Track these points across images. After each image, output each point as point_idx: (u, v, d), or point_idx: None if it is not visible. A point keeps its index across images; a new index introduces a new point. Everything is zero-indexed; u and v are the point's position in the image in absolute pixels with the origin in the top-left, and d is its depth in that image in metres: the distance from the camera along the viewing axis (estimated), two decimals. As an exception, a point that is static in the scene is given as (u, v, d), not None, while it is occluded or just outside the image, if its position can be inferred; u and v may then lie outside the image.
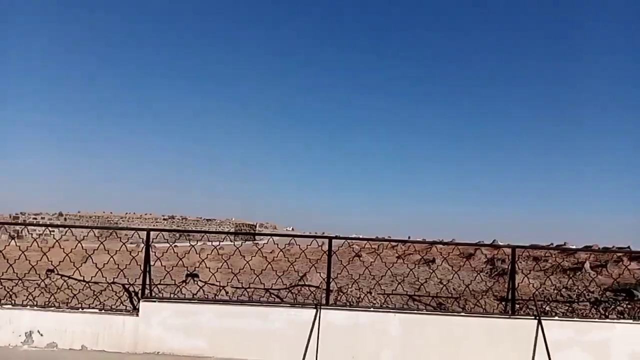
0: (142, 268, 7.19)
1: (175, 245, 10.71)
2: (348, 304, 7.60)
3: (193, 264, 8.86)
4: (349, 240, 7.54)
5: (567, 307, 8.62)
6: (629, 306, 8.52)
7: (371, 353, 6.66)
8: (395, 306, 7.17)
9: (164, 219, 54.00)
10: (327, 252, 7.22)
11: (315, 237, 7.49)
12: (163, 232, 8.65)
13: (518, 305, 8.21)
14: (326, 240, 7.35)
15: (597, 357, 6.58)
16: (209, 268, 8.53)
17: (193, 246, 8.28)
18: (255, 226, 46.00)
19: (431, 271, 8.62)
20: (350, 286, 8.72)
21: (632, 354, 6.58)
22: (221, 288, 8.23)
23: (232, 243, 8.41)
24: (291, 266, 7.88)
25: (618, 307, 8.46)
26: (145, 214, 55.45)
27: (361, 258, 12.28)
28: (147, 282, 7.21)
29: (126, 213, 57.96)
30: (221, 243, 9.59)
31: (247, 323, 6.80)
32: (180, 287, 8.37)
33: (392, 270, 8.65)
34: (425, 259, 11.58)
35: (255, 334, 6.76)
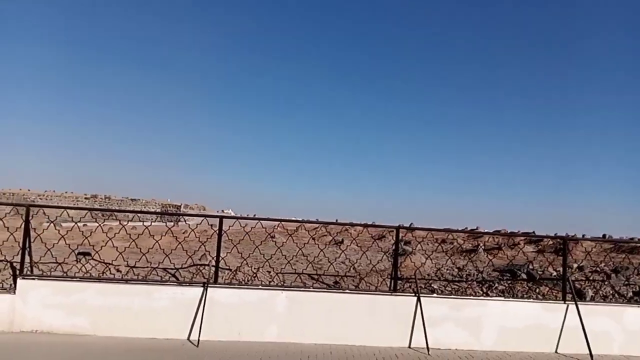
0: (20, 245, 6.82)
1: (85, 225, 10.26)
2: (242, 282, 7.62)
3: (97, 242, 8.52)
4: (243, 220, 7.51)
5: (455, 286, 9.16)
6: (510, 285, 9.19)
7: (257, 329, 6.74)
8: (285, 284, 7.25)
9: (85, 198, 51.50)
10: (245, 234, 7.19)
11: (206, 216, 7.40)
12: (88, 212, 8.04)
13: (408, 284, 8.65)
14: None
15: (470, 331, 7.03)
16: (116, 247, 8.25)
17: (100, 225, 7.92)
18: (180, 207, 44.93)
19: (340, 251, 8.80)
20: (250, 266, 8.78)
21: (501, 328, 7.07)
22: (113, 266, 8.00)
23: (163, 223, 8.15)
24: (202, 246, 7.81)
25: (500, 286, 9.09)
26: (66, 192, 52.61)
27: (274, 239, 12.36)
28: (28, 259, 6.86)
29: (45, 191, 54.76)
30: (153, 223, 9.26)
31: (132, 301, 6.66)
32: (72, 265, 8.06)
33: (304, 250, 8.77)
34: (335, 240, 11.85)
35: (140, 312, 6.64)
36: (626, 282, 9.74)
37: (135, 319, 6.62)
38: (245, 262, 8.71)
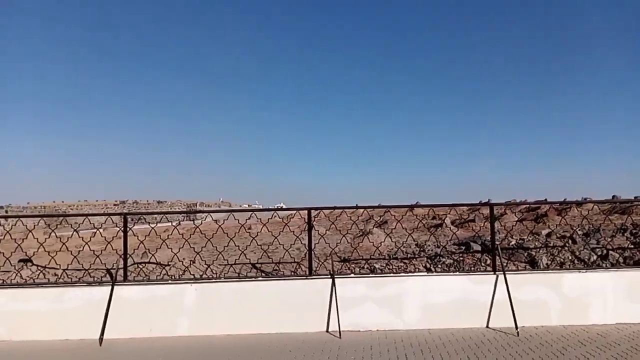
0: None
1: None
2: (148, 278, 7.49)
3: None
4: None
5: (404, 263, 8.77)
6: (460, 258, 8.72)
7: (168, 324, 6.66)
8: (194, 277, 7.11)
9: (114, 205, 53.31)
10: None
11: (109, 214, 7.34)
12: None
13: (353, 264, 8.36)
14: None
15: (392, 310, 6.70)
16: (71, 252, 8.34)
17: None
18: (196, 205, 45.85)
19: (252, 238, 8.51)
20: (204, 260, 8.67)
21: (424, 305, 6.71)
22: (47, 271, 8.08)
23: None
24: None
25: (447, 260, 8.65)
26: (97, 201, 54.57)
27: (249, 230, 12.27)
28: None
29: (78, 201, 56.92)
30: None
31: (43, 305, 6.71)
32: (13, 273, 8.19)
33: (265, 239, 8.63)
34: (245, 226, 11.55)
35: (52, 315, 6.68)
36: (595, 246, 9.08)
37: (48, 321, 6.66)
38: (198, 256, 8.64)
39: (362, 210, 11.02)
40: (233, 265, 8.23)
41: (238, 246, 8.07)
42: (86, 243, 7.08)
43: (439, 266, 8.52)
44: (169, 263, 8.33)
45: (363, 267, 8.44)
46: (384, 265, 8.53)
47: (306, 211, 7.14)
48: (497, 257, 7.05)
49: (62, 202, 53.63)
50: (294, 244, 10.20)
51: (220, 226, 8.10)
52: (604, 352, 5.50)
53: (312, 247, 7.13)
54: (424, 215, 11.81)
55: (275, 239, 7.89)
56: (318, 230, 10.41)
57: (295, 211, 7.33)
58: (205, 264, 8.14)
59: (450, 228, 10.97)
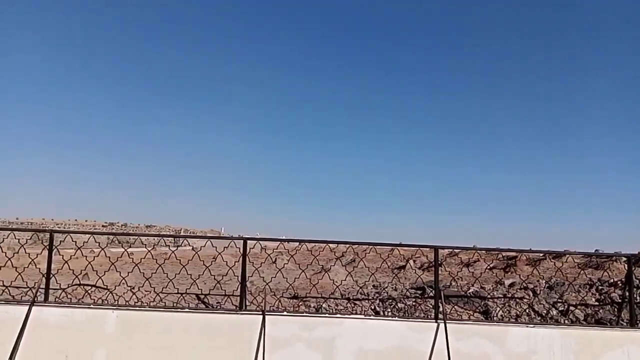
0: None
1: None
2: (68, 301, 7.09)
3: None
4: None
5: (352, 304, 8.39)
6: (414, 303, 8.34)
7: (85, 352, 6.25)
8: (117, 303, 6.74)
9: (103, 226, 52.80)
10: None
11: (35, 230, 7.02)
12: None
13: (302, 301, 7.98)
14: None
15: (324, 354, 6.29)
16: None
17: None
18: (180, 231, 45.45)
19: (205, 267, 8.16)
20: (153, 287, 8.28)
21: (359, 350, 6.31)
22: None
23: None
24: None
25: (399, 305, 8.27)
26: (86, 221, 54.11)
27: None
28: None
29: (69, 219, 56.43)
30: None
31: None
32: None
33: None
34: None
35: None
36: (557, 300, 8.70)
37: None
38: (147, 282, 8.26)
39: (334, 245, 10.70)
40: (169, 295, 7.84)
41: (190, 274, 7.71)
42: (9, 259, 6.74)
43: (389, 310, 8.13)
44: (105, 286, 7.97)
45: (309, 306, 8.06)
46: (335, 305, 8.14)
47: (242, 241, 6.82)
48: (440, 305, 6.68)
49: (52, 219, 53.41)
50: (251, 275, 9.82)
51: (173, 252, 7.80)
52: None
53: (246, 279, 6.78)
54: (389, 255, 11.46)
55: (230, 269, 7.50)
56: (276, 264, 10.04)
57: (230, 240, 7.00)
58: (131, 290, 7.75)
59: (415, 271, 10.60)
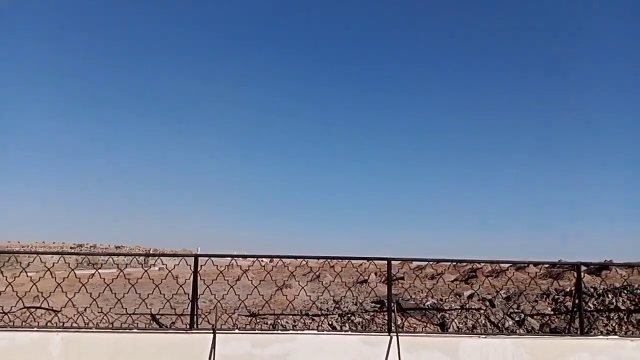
0: None
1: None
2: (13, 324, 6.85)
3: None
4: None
5: (311, 319, 8.33)
6: (372, 317, 8.33)
7: (27, 378, 6.01)
8: (63, 325, 6.55)
9: (70, 248, 51.43)
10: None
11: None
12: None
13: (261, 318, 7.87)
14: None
15: (275, 371, 6.20)
16: None
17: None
18: (149, 251, 44.75)
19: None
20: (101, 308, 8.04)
21: (311, 366, 6.24)
22: None
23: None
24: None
25: (357, 319, 8.25)
26: (54, 243, 52.63)
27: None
28: None
29: (36, 242, 54.77)
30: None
31: None
32: None
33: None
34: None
35: None
36: (514, 311, 8.81)
37: None
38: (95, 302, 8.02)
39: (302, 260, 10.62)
40: (122, 316, 7.64)
41: (139, 294, 7.54)
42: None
43: (346, 324, 8.09)
44: (51, 308, 7.74)
45: (267, 323, 7.97)
46: (292, 321, 8.07)
47: (193, 258, 6.72)
48: (394, 317, 6.68)
49: (18, 242, 51.77)
50: (202, 293, 9.66)
51: (121, 271, 7.61)
52: None
53: (197, 298, 6.65)
54: (357, 269, 11.47)
55: (181, 287, 7.35)
56: (228, 280, 9.92)
57: (181, 257, 6.88)
58: (77, 311, 7.53)
59: (377, 284, 10.60)
